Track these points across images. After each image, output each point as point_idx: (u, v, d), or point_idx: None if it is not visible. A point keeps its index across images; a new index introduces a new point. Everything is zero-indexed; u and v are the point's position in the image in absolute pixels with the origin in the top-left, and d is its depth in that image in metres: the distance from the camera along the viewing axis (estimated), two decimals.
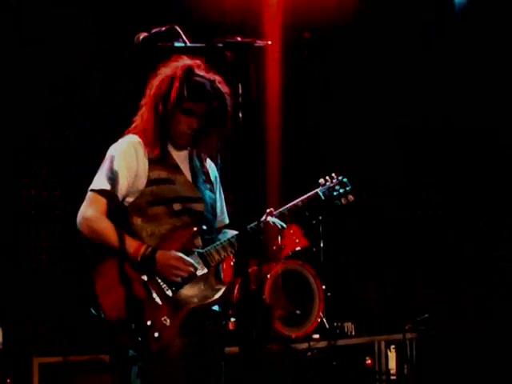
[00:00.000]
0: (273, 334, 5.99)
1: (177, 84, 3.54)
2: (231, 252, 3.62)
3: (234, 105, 3.03)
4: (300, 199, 3.88)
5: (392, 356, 6.74)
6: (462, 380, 6.68)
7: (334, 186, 3.99)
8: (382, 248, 7.74)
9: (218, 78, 3.64)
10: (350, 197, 4.02)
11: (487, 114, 7.18)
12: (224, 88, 3.63)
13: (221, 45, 3.08)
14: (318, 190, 3.94)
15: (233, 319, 5.84)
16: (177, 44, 3.23)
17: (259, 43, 3.07)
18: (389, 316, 7.07)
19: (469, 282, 7.79)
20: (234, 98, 3.07)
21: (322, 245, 6.70)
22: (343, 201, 4.02)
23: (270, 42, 3.17)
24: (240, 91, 3.01)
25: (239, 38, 3.08)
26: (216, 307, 3.65)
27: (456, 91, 7.24)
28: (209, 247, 3.60)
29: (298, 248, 6.52)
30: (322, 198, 3.94)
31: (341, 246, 7.43)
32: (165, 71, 3.60)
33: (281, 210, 3.81)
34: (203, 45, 3.20)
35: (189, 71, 3.58)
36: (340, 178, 4.02)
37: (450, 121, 7.38)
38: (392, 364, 6.73)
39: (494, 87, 7.11)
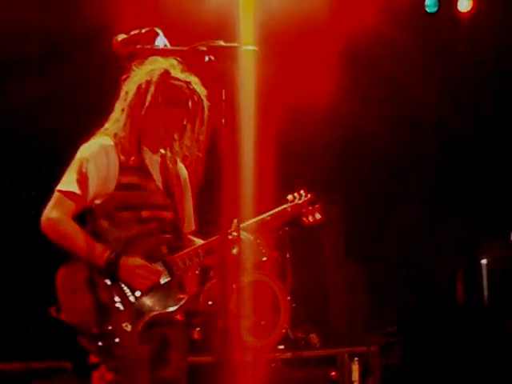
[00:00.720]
0: (238, 344, 5.94)
1: (152, 89, 3.47)
2: (196, 261, 3.57)
3: (217, 112, 2.97)
4: (268, 214, 3.84)
5: (355, 368, 6.74)
6: None
7: (303, 203, 3.97)
8: (347, 259, 7.79)
9: (194, 79, 3.56)
10: (318, 215, 4.01)
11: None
12: (201, 89, 3.57)
13: (204, 48, 3.01)
14: (286, 206, 3.92)
15: (198, 328, 5.81)
16: (157, 47, 3.17)
17: (245, 48, 3.02)
18: (353, 328, 7.08)
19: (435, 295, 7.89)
20: (216, 103, 3.00)
21: (288, 255, 6.68)
22: (310, 219, 4.00)
23: (255, 48, 3.12)
24: (223, 97, 2.95)
25: (222, 42, 3.03)
26: (178, 316, 3.61)
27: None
28: (174, 255, 3.54)
29: (263, 258, 6.48)
30: (290, 213, 3.92)
31: (307, 256, 7.41)
32: (140, 75, 3.52)
33: (249, 223, 3.78)
34: (185, 48, 3.13)
35: (164, 75, 3.51)
36: (308, 195, 4.00)
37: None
38: (355, 376, 6.73)
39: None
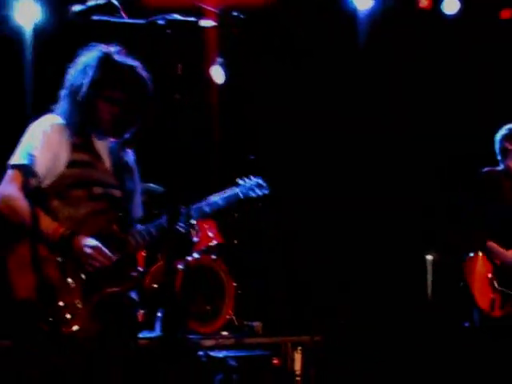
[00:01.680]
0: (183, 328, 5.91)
1: (95, 72, 3.49)
2: (148, 241, 3.56)
3: (172, 85, 2.93)
4: (218, 197, 3.80)
5: (298, 357, 6.74)
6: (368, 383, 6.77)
7: (253, 187, 3.95)
8: (295, 248, 7.79)
9: (137, 64, 3.59)
10: (267, 200, 3.99)
11: None
12: (144, 74, 3.59)
13: (162, 22, 2.97)
14: (237, 189, 3.89)
15: (142, 311, 5.76)
16: (114, 19, 3.12)
17: (203, 23, 2.98)
18: (297, 318, 7.08)
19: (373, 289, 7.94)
20: (169, 78, 2.96)
21: (236, 241, 6.65)
22: (260, 203, 3.99)
23: (214, 23, 3.08)
24: (179, 71, 2.92)
25: (179, 16, 2.99)
26: (133, 295, 3.61)
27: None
28: (126, 233, 3.54)
29: (211, 243, 6.45)
30: (241, 197, 3.88)
31: (255, 243, 7.40)
32: (82, 60, 3.54)
33: (199, 205, 3.74)
34: (143, 21, 3.09)
35: (107, 58, 3.53)
36: (259, 179, 3.99)
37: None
38: (298, 365, 6.73)
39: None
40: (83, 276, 3.38)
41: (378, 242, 8.07)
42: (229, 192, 3.87)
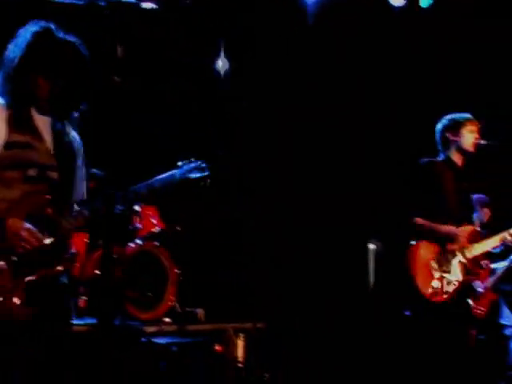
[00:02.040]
0: (124, 315, 5.86)
1: (29, 45, 3.44)
2: (80, 223, 3.52)
3: (111, 67, 2.90)
4: (155, 179, 3.77)
5: (240, 344, 6.75)
6: (310, 370, 6.82)
7: (192, 169, 3.90)
8: (238, 235, 7.80)
9: (77, 41, 3.55)
10: (208, 182, 3.96)
11: None
12: (84, 51, 3.55)
13: (102, 3, 2.94)
14: (174, 171, 3.85)
15: (84, 297, 5.71)
16: None
17: (146, 5, 2.96)
18: (239, 304, 7.09)
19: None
20: (110, 60, 2.92)
21: (178, 228, 6.61)
22: (200, 185, 3.95)
23: (156, 6, 3.05)
24: (119, 53, 2.88)
25: None
26: (64, 279, 3.57)
27: None
28: (60, 217, 3.50)
29: (154, 230, 6.42)
30: (178, 179, 3.84)
31: (198, 230, 7.38)
32: (22, 36, 3.48)
33: (135, 187, 3.71)
34: (82, 2, 3.06)
35: (45, 33, 3.48)
36: (199, 162, 3.94)
37: None
38: (240, 352, 6.75)
39: None
40: (14, 258, 3.35)
41: (320, 230, 8.12)
42: (165, 174, 3.83)
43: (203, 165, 3.93)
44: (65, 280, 3.58)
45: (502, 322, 6.55)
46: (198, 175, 3.89)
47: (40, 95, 3.50)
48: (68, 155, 3.65)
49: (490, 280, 6.36)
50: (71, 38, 3.53)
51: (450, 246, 4.53)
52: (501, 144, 4.55)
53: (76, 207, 3.58)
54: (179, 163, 3.90)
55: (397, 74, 7.96)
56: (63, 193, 3.58)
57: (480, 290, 5.77)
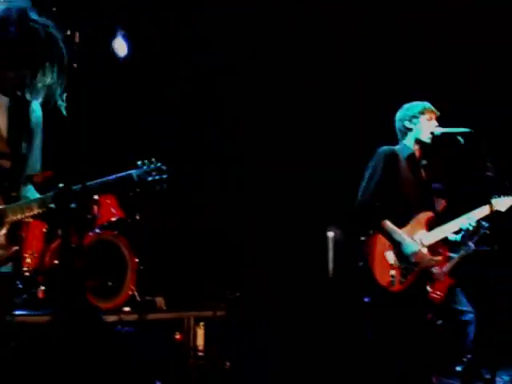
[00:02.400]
0: (83, 304, 5.83)
1: (10, 28, 3.34)
2: (29, 214, 3.46)
3: (70, 54, 2.87)
4: (111, 177, 3.72)
5: (200, 332, 6.76)
6: (269, 357, 6.84)
7: (151, 171, 3.84)
8: (198, 224, 7.79)
9: (50, 23, 3.43)
10: (165, 185, 3.91)
11: None
12: (58, 34, 3.45)
13: None
14: (132, 171, 3.79)
15: (42, 287, 5.66)
16: None
17: None
18: (199, 293, 7.09)
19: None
20: (69, 45, 2.89)
21: (138, 217, 6.58)
22: (157, 188, 3.90)
23: None
24: (77, 39, 2.85)
25: None
26: (6, 269, 3.50)
27: None
28: (6, 206, 3.43)
29: (113, 218, 6.38)
30: (135, 179, 3.78)
31: (157, 218, 7.34)
32: None
33: (88, 184, 3.65)
34: None
35: (22, 14, 3.38)
36: (159, 164, 3.89)
37: None
38: (200, 340, 6.75)
39: None
40: None
41: (280, 217, 8.14)
42: (123, 173, 3.78)
43: (163, 167, 3.86)
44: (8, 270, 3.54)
45: (460, 308, 6.64)
46: (157, 178, 3.83)
47: (5, 75, 3.40)
48: (24, 135, 3.57)
49: (448, 265, 6.45)
50: (45, 21, 3.40)
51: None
52: (459, 132, 4.58)
53: (28, 200, 3.54)
54: (139, 163, 3.84)
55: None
56: (14, 179, 3.50)
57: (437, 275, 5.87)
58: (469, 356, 4.48)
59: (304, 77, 8.12)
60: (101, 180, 3.67)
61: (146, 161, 3.85)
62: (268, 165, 8.26)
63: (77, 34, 2.87)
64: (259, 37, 7.88)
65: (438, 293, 6.13)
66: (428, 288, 4.79)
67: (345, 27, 7.91)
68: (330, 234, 8.65)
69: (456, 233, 4.67)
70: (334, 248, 8.59)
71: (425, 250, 4.52)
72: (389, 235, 4.48)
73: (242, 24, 7.76)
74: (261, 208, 8.08)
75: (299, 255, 8.20)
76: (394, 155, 4.62)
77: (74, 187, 3.28)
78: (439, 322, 4.51)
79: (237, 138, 8.14)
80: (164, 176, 3.83)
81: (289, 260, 8.15)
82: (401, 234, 4.48)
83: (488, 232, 4.63)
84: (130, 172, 3.76)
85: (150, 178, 3.80)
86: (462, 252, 6.60)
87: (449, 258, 4.85)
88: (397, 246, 4.48)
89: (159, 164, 3.85)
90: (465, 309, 4.55)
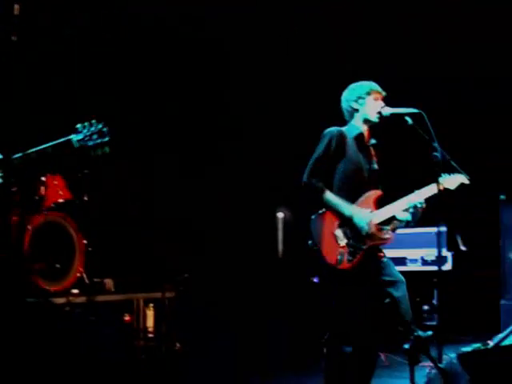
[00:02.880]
0: (31, 287, 5.75)
1: None
2: None
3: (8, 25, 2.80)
4: (48, 145, 3.62)
5: (150, 314, 6.74)
6: (218, 338, 6.88)
7: (92, 134, 3.72)
8: (148, 205, 7.76)
9: None
10: (107, 148, 3.79)
11: None
12: None
13: None
14: (72, 136, 3.67)
15: None
16: None
17: None
18: (148, 274, 7.07)
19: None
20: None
21: (86, 198, 6.50)
22: (99, 152, 3.78)
23: None
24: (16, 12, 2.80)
25: None
26: None
27: None
28: None
29: (60, 200, 6.30)
30: (76, 145, 3.67)
31: (105, 200, 7.27)
32: None
33: (26, 153, 3.56)
34: None
35: None
36: (100, 126, 3.75)
37: None
38: (150, 322, 6.73)
39: None
40: None
41: (230, 198, 8.15)
42: (62, 139, 3.66)
43: (104, 129, 3.73)
44: None
45: (389, 279, 6.71)
46: (98, 141, 3.70)
47: None
48: None
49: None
50: None
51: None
52: (407, 113, 4.61)
53: None
54: (78, 126, 3.70)
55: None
56: None
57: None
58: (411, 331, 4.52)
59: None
60: (39, 148, 3.57)
61: (85, 123, 3.71)
62: (219, 147, 8.26)
63: (17, 7, 2.81)
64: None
65: None
66: None
67: None
68: (280, 215, 8.69)
69: (406, 210, 4.69)
70: (284, 228, 8.63)
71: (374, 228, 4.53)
72: (337, 210, 4.47)
73: None
74: (210, 190, 8.07)
75: (249, 236, 8.22)
76: (339, 135, 4.60)
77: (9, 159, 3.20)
78: (387, 300, 4.54)
79: (191, 121, 8.11)
80: (105, 139, 3.70)
81: (239, 241, 8.16)
82: (349, 206, 4.48)
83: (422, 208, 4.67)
84: (69, 137, 3.65)
85: (90, 143, 3.68)
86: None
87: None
88: (347, 220, 4.48)
89: (100, 126, 3.71)
90: (395, 279, 4.56)
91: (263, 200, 8.28)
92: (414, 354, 4.41)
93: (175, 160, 7.92)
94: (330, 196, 4.52)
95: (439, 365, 4.51)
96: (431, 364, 4.70)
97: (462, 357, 3.92)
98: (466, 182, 4.80)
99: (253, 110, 8.27)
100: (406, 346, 4.43)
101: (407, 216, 4.68)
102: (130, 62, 7.67)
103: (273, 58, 8.17)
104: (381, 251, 4.52)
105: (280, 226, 8.63)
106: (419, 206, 4.63)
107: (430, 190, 4.64)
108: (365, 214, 4.50)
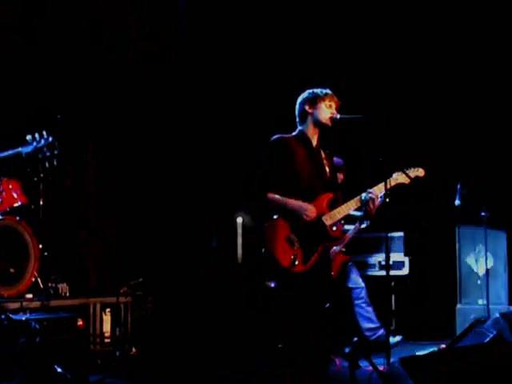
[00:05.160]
0: None
1: None
2: None
3: None
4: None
5: (107, 319, 6.72)
6: (173, 343, 6.86)
7: (42, 147, 3.70)
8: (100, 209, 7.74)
9: None
10: (56, 161, 3.76)
11: None
12: None
13: None
14: (20, 149, 3.65)
15: None
16: None
17: None
18: (104, 279, 7.05)
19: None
20: None
21: (41, 202, 6.47)
22: (47, 165, 3.76)
23: None
24: None
25: None
26: None
27: None
28: None
29: (16, 204, 6.27)
30: (24, 157, 3.65)
31: (61, 204, 7.24)
32: None
33: None
34: None
35: None
36: (50, 139, 3.72)
37: None
38: (107, 327, 6.71)
39: None
40: None
41: (188, 203, 8.15)
42: (11, 151, 3.63)
43: (55, 143, 3.72)
44: None
45: (349, 285, 6.80)
46: (47, 154, 3.69)
47: None
48: None
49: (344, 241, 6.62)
50: None
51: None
52: (357, 118, 4.64)
53: None
54: (28, 138, 3.68)
55: None
56: None
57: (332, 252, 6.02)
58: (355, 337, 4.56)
59: None
60: None
61: (36, 135, 3.69)
62: (177, 151, 8.26)
63: None
64: None
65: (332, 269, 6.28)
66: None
67: None
68: (239, 220, 8.69)
69: (358, 209, 4.73)
70: (243, 234, 8.63)
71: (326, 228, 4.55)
72: (290, 212, 4.49)
73: None
74: (168, 193, 8.07)
75: (208, 241, 8.23)
76: (285, 142, 4.63)
77: None
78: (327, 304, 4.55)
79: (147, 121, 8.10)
80: (55, 152, 3.69)
81: (197, 246, 8.16)
82: (297, 204, 4.50)
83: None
84: (18, 150, 3.63)
85: (40, 155, 3.66)
86: (355, 228, 6.79)
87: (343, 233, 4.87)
88: (295, 224, 4.50)
89: (51, 139, 3.70)
90: (354, 286, 4.60)
91: (222, 205, 8.29)
92: (354, 358, 4.42)
93: (130, 163, 7.89)
94: (276, 198, 4.55)
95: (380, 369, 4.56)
96: (372, 368, 4.73)
97: (404, 361, 3.94)
98: (421, 174, 4.84)
99: (213, 115, 8.29)
100: (347, 350, 4.46)
101: (359, 213, 4.74)
102: None
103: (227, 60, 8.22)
104: (346, 255, 4.56)
105: (239, 231, 8.63)
106: (372, 201, 4.65)
107: (383, 187, 4.69)
108: (310, 206, 4.54)
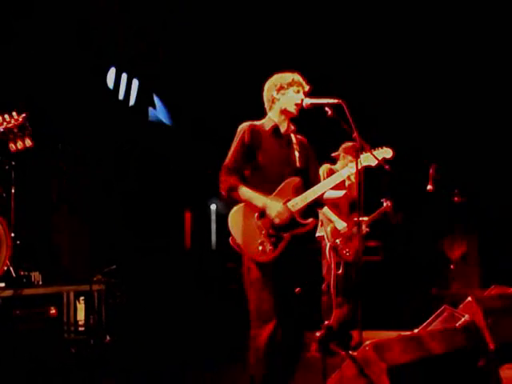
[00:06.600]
0: None
1: None
2: None
3: None
4: None
5: (81, 307, 6.70)
6: (148, 330, 6.87)
7: (13, 127, 3.68)
8: (77, 198, 7.71)
9: None
10: (28, 141, 3.74)
11: None
12: None
13: None
14: None
15: None
16: None
17: None
18: (77, 267, 7.03)
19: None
20: None
21: (13, 191, 6.43)
22: (19, 145, 3.73)
23: None
24: None
25: None
26: None
27: None
28: None
29: None
30: None
31: (35, 192, 7.21)
32: None
33: None
34: None
35: None
36: (20, 118, 3.69)
37: None
38: (81, 315, 6.70)
39: None
40: None
41: (162, 190, 8.14)
42: None
43: (26, 122, 3.70)
44: None
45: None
46: (19, 134, 3.69)
47: None
48: None
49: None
50: None
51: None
52: (327, 103, 4.61)
53: None
54: None
55: None
56: None
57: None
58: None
59: None
60: None
61: (5, 115, 3.66)
62: (151, 138, 8.25)
63: None
64: None
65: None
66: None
67: None
68: (213, 207, 8.70)
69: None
70: (217, 220, 8.65)
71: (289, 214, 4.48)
72: (252, 203, 4.45)
73: None
74: (141, 180, 8.06)
75: (181, 228, 8.24)
76: (252, 129, 4.58)
77: None
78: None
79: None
80: (27, 131, 3.67)
81: (170, 232, 8.17)
82: (262, 198, 4.45)
83: None
84: None
85: (10, 136, 3.64)
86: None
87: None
88: (262, 212, 4.46)
89: (21, 118, 3.66)
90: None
91: (195, 192, 8.30)
92: (325, 344, 4.40)
93: (103, 150, 7.88)
94: (244, 190, 4.51)
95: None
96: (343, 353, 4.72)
97: (375, 345, 3.93)
98: (389, 155, 4.83)
99: (185, 100, 8.28)
100: (317, 334, 4.43)
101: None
102: None
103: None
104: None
105: (213, 217, 8.65)
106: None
107: (350, 170, 4.67)
108: (277, 204, 4.48)
